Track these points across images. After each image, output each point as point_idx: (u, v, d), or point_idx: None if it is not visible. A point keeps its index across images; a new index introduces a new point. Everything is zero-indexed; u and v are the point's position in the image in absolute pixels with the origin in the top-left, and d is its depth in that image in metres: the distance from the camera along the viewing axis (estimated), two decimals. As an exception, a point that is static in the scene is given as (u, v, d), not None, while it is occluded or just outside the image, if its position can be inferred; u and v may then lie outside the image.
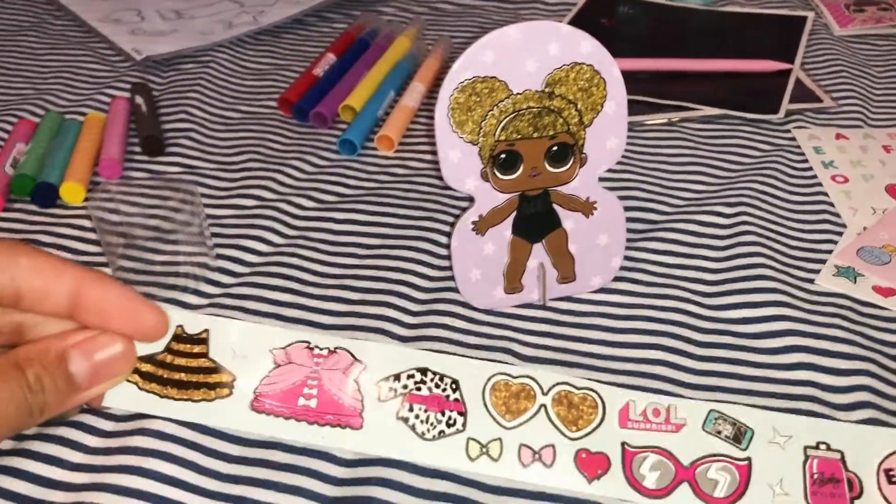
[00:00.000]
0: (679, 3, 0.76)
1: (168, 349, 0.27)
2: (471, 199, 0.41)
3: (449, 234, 0.49)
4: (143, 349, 0.27)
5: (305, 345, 0.26)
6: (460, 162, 0.40)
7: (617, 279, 0.45)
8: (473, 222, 0.42)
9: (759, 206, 0.50)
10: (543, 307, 0.44)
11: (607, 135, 0.41)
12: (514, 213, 0.42)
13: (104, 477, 0.34)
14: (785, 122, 0.59)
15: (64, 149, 0.55)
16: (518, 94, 0.39)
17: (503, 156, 0.40)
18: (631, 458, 0.33)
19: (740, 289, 0.44)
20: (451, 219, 0.50)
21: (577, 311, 0.44)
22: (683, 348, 0.41)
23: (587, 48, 0.39)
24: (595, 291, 0.45)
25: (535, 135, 0.40)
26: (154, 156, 0.56)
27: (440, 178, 0.54)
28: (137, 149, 0.57)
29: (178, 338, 0.27)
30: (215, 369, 0.26)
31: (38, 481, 0.35)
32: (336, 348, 0.26)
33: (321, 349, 0.26)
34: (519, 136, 0.40)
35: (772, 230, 0.49)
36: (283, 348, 0.26)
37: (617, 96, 0.40)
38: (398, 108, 0.60)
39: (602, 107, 0.40)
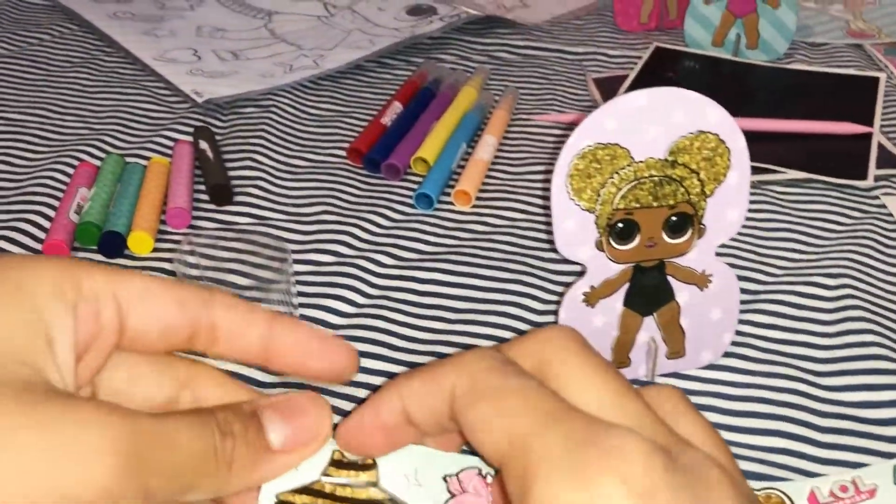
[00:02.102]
0: (743, 59, 0.74)
1: (326, 476, 0.23)
2: (582, 269, 0.39)
3: (538, 299, 0.47)
4: (295, 479, 0.23)
5: (476, 471, 0.23)
6: (575, 230, 0.38)
7: (725, 355, 0.43)
8: (584, 293, 0.40)
9: (861, 278, 0.48)
10: (651, 384, 0.42)
11: (728, 206, 0.39)
12: (627, 285, 0.40)
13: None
14: (871, 188, 0.57)
15: (129, 196, 0.53)
16: (640, 161, 0.37)
17: (620, 225, 0.38)
18: None
19: (856, 369, 0.42)
20: (538, 281, 0.48)
21: (687, 390, 0.41)
22: (806, 434, 0.39)
23: (714, 117, 0.37)
24: (704, 368, 0.42)
25: (655, 204, 0.38)
26: (222, 205, 0.54)
27: (521, 237, 0.52)
28: (204, 196, 0.55)
29: (337, 464, 0.23)
30: (389, 501, 0.23)
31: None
32: None
33: (491, 475, 0.23)
34: (638, 205, 0.38)
35: (879, 305, 0.46)
36: (456, 475, 0.23)
37: (740, 166, 0.38)
38: (472, 162, 0.58)
39: (725, 177, 0.38)
